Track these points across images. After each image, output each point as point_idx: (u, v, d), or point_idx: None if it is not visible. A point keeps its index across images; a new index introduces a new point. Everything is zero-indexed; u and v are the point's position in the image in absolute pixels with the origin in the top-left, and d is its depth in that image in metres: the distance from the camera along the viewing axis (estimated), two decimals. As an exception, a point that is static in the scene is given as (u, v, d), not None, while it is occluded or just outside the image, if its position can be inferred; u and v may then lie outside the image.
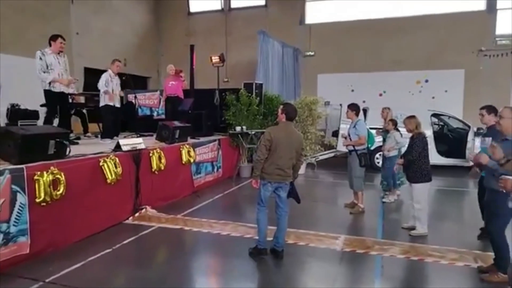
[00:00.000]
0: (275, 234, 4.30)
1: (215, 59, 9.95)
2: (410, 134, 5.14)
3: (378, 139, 8.28)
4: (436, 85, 12.48)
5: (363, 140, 5.98)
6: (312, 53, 13.82)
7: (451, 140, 10.25)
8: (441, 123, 10.80)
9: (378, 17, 13.05)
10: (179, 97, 8.90)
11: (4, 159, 4.13)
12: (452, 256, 4.25)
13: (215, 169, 8.43)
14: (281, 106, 4.35)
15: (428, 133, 9.70)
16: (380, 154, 8.81)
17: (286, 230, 4.36)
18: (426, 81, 12.68)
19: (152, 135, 7.75)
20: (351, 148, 6.06)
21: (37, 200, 4.01)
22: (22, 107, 7.88)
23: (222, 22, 14.84)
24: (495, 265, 3.75)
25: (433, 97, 12.40)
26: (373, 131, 7.89)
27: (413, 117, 5.20)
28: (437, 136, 10.11)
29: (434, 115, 10.45)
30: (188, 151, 7.10)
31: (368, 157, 6.12)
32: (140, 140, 6.16)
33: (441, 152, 9.76)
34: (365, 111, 10.74)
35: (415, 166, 4.92)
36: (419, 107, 10.83)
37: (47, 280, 3.60)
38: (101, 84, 7.33)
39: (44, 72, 6.06)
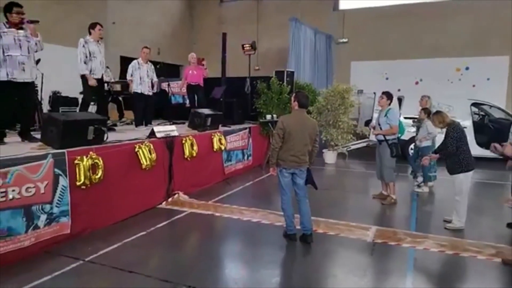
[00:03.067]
0: (300, 220, 4.36)
1: (247, 47, 9.92)
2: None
3: (412, 130, 8.04)
4: (478, 73, 11.86)
5: (395, 130, 5.81)
6: (346, 40, 13.49)
7: (492, 131, 9.74)
8: (482, 113, 10.29)
9: (416, 1, 12.50)
10: (200, 86, 8.91)
11: (47, 144, 4.36)
12: (490, 252, 4.09)
13: (246, 157, 8.49)
14: (293, 94, 4.43)
15: (468, 123, 9.34)
16: (413, 145, 8.56)
17: (310, 213, 4.37)
18: (467, 68, 12.08)
19: (184, 123, 7.89)
20: (381, 138, 5.90)
21: (77, 183, 4.22)
22: (62, 94, 8.24)
23: (254, 10, 14.74)
24: None
25: (473, 86, 11.81)
26: (406, 121, 7.65)
27: (436, 113, 4.99)
28: (477, 126, 9.65)
29: (475, 104, 9.97)
30: (220, 139, 7.19)
31: (399, 147, 5.94)
32: (173, 127, 6.30)
33: (481, 144, 9.32)
34: (400, 100, 10.41)
35: (455, 158, 4.70)
36: (458, 96, 10.39)
37: (86, 259, 3.80)
38: (127, 73, 7.60)
39: (85, 63, 6.23)
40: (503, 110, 9.95)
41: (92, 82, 6.25)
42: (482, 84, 11.74)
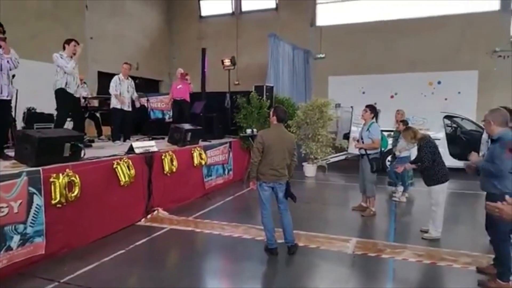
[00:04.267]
0: (283, 233, 4.42)
1: (227, 62, 10.01)
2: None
3: (389, 141, 8.27)
4: (449, 87, 12.32)
5: (377, 144, 5.89)
6: (323, 55, 13.78)
7: (464, 142, 10.09)
8: (454, 125, 10.66)
9: (390, 18, 12.97)
10: (186, 101, 8.91)
11: (21, 162, 4.24)
12: (465, 260, 4.20)
13: (226, 172, 8.48)
14: (272, 109, 4.53)
15: (441, 135, 9.65)
16: (391, 157, 8.76)
17: (292, 225, 4.44)
18: (439, 82, 12.54)
19: (164, 138, 7.84)
20: (363, 151, 5.99)
21: (53, 202, 4.10)
22: (38, 110, 8.05)
23: (233, 25, 14.93)
24: (494, 266, 3.75)
25: (446, 99, 12.25)
26: (385, 133, 7.87)
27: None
28: (450, 138, 9.98)
29: (447, 117, 10.33)
30: (200, 154, 7.17)
31: (380, 162, 6.04)
32: (152, 142, 6.24)
33: (454, 155, 9.62)
34: (376, 113, 10.67)
35: (430, 171, 4.82)
36: (432, 109, 10.75)
37: (62, 281, 3.67)
38: (111, 88, 7.55)
39: (67, 63, 6.09)
40: (473, 122, 10.34)
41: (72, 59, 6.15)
42: (454, 98, 12.20)
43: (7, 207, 3.64)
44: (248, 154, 9.40)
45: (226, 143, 8.55)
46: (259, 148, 4.24)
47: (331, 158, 10.52)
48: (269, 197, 4.37)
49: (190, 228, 5.40)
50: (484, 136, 9.58)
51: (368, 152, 5.90)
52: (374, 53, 13.08)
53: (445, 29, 12.36)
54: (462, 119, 10.46)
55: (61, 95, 6.21)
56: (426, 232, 5.03)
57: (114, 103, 7.54)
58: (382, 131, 6.32)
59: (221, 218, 5.89)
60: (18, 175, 3.80)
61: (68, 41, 6.25)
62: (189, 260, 4.42)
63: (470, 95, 12.09)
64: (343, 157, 10.90)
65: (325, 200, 7.69)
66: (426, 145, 4.83)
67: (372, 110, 6.07)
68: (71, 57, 6.25)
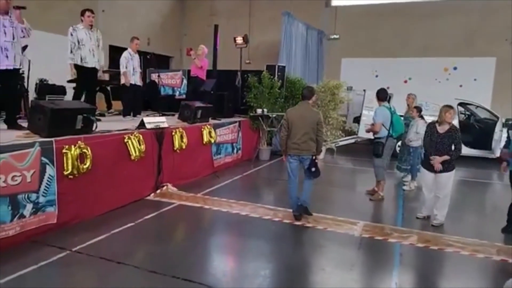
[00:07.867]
0: (300, 193, 4.93)
1: (239, 40, 9.86)
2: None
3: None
4: (465, 73, 12.03)
5: (377, 128, 5.80)
6: (337, 36, 13.48)
7: (477, 130, 9.94)
8: (468, 113, 10.47)
9: (407, 1, 12.59)
10: (199, 78, 8.85)
11: (34, 132, 4.27)
12: (473, 248, 4.19)
13: (235, 151, 8.48)
14: None
15: (454, 122, 9.46)
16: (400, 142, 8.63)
17: (310, 190, 4.93)
18: (455, 68, 12.24)
19: (174, 115, 7.83)
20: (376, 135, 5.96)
21: (65, 173, 4.15)
22: (49, 82, 8.07)
23: (246, 3, 14.61)
24: None
25: (460, 86, 11.99)
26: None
27: (450, 107, 4.94)
28: (463, 126, 9.79)
29: (461, 104, 10.14)
30: (209, 132, 7.17)
31: (382, 147, 5.83)
32: (163, 118, 6.24)
33: (466, 143, 9.47)
34: (389, 97, 10.50)
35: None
36: (446, 96, 10.52)
37: (73, 250, 3.75)
38: (121, 65, 7.47)
39: (71, 52, 6.16)
40: (488, 110, 10.14)
41: (71, 73, 6.16)
42: (469, 84, 11.93)
43: (20, 176, 3.69)
44: (257, 134, 9.38)
45: (235, 122, 8.52)
46: (284, 125, 4.78)
47: (341, 141, 10.45)
48: (295, 169, 4.88)
49: (198, 205, 5.45)
50: (498, 125, 9.42)
51: (375, 135, 5.89)
52: (389, 36, 12.76)
53: (463, 14, 11.97)
54: (477, 106, 10.26)
55: (78, 70, 6.25)
56: (424, 218, 5.07)
57: (124, 80, 7.50)
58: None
59: (229, 196, 5.92)
60: (31, 145, 3.83)
61: (82, 12, 6.25)
62: (197, 235, 4.47)
63: (486, 83, 11.80)
64: (353, 140, 10.82)
65: (333, 183, 7.68)
66: (458, 131, 4.84)
67: (377, 94, 6.01)
68: (90, 28, 6.25)
